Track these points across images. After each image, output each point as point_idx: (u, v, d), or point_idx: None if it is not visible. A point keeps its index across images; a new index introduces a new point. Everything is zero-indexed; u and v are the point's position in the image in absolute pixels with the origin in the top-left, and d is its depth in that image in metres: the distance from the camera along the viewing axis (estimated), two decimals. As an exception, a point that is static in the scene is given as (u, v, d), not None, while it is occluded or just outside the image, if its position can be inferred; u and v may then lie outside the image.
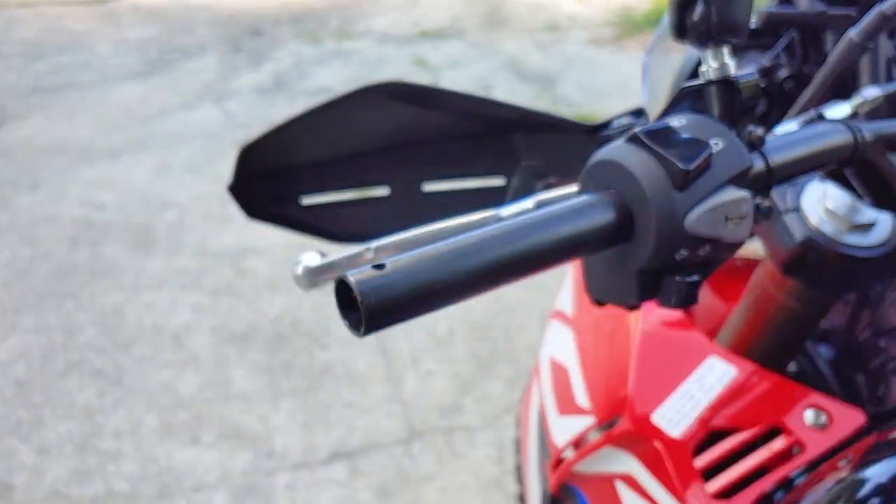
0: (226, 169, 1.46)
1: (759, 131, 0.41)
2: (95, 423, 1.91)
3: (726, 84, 0.41)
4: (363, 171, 0.78)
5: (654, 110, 0.80)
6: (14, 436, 1.87)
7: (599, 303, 0.42)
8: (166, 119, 3.36)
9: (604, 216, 0.36)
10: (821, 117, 0.51)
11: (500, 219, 0.52)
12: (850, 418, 0.62)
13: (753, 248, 0.84)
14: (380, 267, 0.31)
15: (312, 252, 0.49)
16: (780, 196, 0.66)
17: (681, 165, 0.36)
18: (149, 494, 1.73)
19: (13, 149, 3.15)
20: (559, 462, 0.79)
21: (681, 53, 0.85)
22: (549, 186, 0.75)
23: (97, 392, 1.99)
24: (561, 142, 0.72)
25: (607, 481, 0.70)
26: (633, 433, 0.67)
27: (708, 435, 0.65)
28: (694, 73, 0.81)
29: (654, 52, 0.90)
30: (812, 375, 0.75)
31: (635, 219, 0.37)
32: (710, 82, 0.42)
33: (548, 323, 0.97)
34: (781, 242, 0.65)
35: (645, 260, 0.37)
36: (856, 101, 0.57)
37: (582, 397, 0.80)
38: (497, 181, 0.77)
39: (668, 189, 0.36)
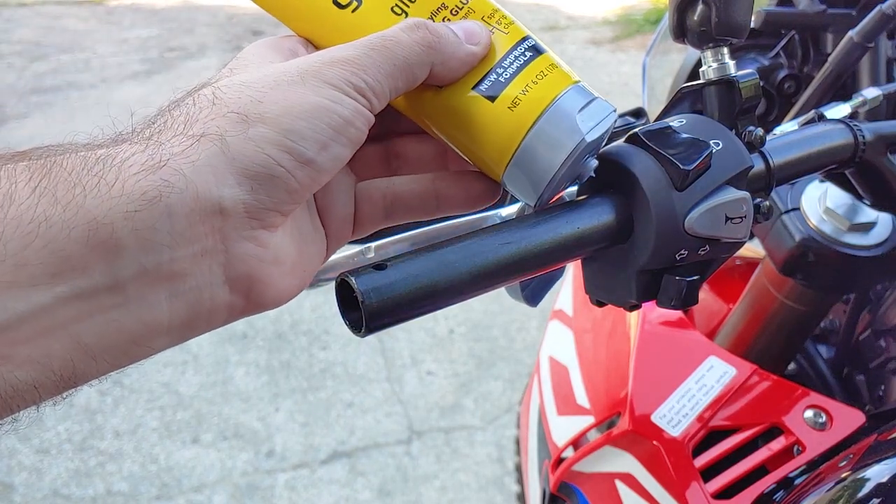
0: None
1: (759, 131, 0.41)
2: (95, 423, 1.91)
3: (726, 84, 0.41)
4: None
5: (654, 110, 0.80)
6: (14, 436, 1.87)
7: (599, 303, 0.42)
8: (166, 119, 3.35)
9: (604, 216, 0.36)
10: (821, 117, 0.51)
11: (500, 219, 0.52)
12: (849, 418, 0.62)
13: (753, 248, 0.84)
14: (380, 267, 0.31)
15: (313, 252, 0.49)
16: (779, 196, 0.66)
17: (681, 166, 0.36)
18: (149, 494, 1.73)
19: (13, 149, 3.15)
20: (559, 461, 0.79)
21: (680, 54, 0.85)
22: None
23: (97, 392, 1.99)
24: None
25: (607, 480, 0.70)
26: (633, 433, 0.68)
27: (707, 435, 0.65)
28: (694, 74, 0.81)
29: (654, 53, 0.91)
30: (812, 375, 0.75)
31: (635, 219, 0.37)
32: (709, 82, 0.42)
33: (548, 323, 0.97)
34: (781, 242, 0.65)
35: (645, 260, 0.37)
36: (856, 101, 0.57)
37: (582, 397, 0.80)
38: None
39: (668, 189, 0.36)
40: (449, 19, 0.34)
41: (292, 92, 0.29)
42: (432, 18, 0.34)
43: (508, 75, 0.34)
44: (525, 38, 0.35)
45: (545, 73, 0.34)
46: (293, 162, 0.29)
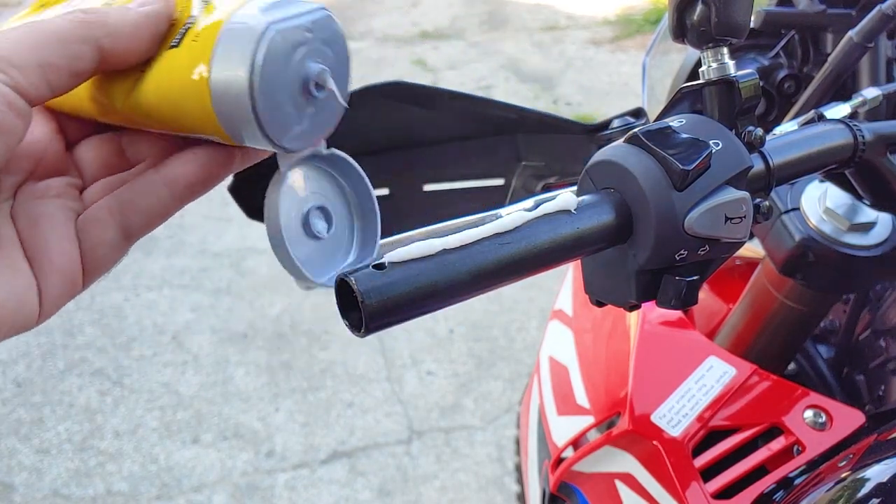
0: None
1: (759, 131, 0.41)
2: (95, 423, 1.91)
3: (726, 84, 0.41)
4: (363, 172, 0.77)
5: (653, 110, 0.80)
6: (14, 436, 1.87)
7: (599, 303, 0.42)
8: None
9: (603, 216, 0.36)
10: (821, 117, 0.51)
11: (499, 219, 0.52)
12: (849, 418, 0.62)
13: (753, 248, 0.84)
14: (380, 267, 0.31)
15: (312, 252, 0.49)
16: (779, 196, 0.66)
17: (680, 166, 0.36)
18: (149, 494, 1.73)
19: None
20: (559, 461, 0.79)
21: (680, 54, 0.85)
22: (549, 187, 0.75)
23: (97, 392, 1.99)
24: (561, 142, 0.72)
25: (607, 480, 0.70)
26: (633, 433, 0.68)
27: (707, 435, 0.65)
28: (694, 74, 0.81)
29: (654, 53, 0.91)
30: (812, 376, 0.75)
31: (635, 219, 0.37)
32: (709, 82, 0.42)
33: (548, 322, 0.97)
34: (781, 242, 0.65)
35: (644, 260, 0.37)
36: (856, 101, 0.57)
37: (582, 397, 0.80)
38: (497, 181, 0.77)
39: (668, 189, 0.36)
40: None
41: None
42: None
43: (193, 20, 0.30)
44: None
45: None
46: None
